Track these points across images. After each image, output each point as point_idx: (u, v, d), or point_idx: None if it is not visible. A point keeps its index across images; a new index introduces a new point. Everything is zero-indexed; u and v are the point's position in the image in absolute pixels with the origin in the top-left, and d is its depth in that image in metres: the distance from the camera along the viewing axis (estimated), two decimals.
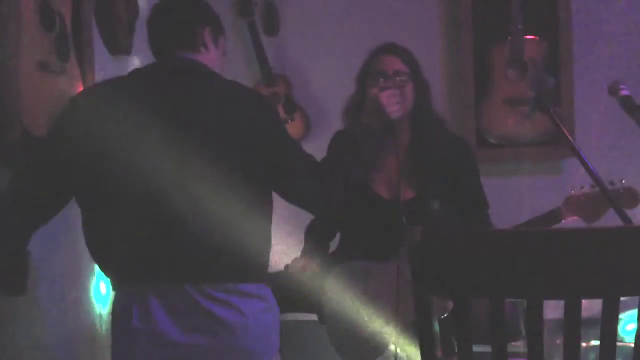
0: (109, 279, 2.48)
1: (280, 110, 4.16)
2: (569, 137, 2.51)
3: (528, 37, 4.03)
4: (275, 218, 2.51)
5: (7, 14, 2.62)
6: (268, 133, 2.44)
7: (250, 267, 2.43)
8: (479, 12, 4.09)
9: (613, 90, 2.62)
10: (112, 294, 2.49)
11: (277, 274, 3.09)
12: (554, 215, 3.02)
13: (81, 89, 2.90)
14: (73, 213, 2.50)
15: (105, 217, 2.40)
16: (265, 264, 2.49)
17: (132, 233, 2.36)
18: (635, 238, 1.79)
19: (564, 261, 1.76)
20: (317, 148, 2.89)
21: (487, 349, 1.83)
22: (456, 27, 4.14)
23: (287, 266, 3.18)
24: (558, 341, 1.84)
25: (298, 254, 3.26)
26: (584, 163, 2.44)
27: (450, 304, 2.53)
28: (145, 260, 2.37)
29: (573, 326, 1.77)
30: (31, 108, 2.69)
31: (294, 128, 4.15)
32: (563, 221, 3.06)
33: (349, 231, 3.21)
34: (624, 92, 2.58)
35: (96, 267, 2.51)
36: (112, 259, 2.42)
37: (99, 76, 3.14)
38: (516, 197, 4.02)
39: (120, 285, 2.44)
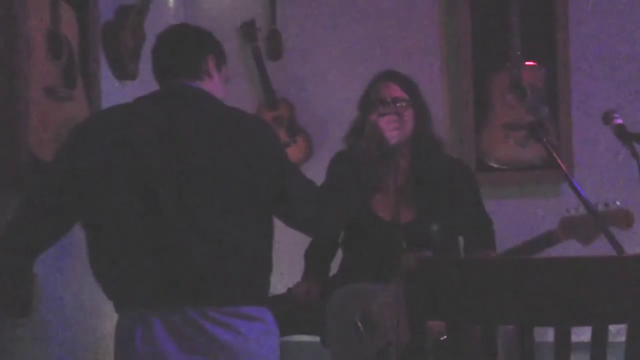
0: (112, 302, 2.51)
1: (283, 133, 4.18)
2: (561, 165, 2.54)
3: (527, 63, 4.07)
4: (276, 241, 2.55)
5: (17, 42, 2.66)
6: (269, 158, 2.49)
7: (251, 290, 2.45)
8: (479, 38, 4.12)
9: (607, 119, 2.64)
10: (116, 316, 2.52)
11: (280, 297, 3.12)
12: (550, 238, 3.03)
13: (88, 114, 2.94)
14: (78, 236, 2.54)
15: (109, 240, 2.43)
16: (267, 287, 2.52)
17: (136, 256, 2.39)
18: (626, 267, 1.81)
19: (555, 289, 1.79)
20: (319, 171, 2.94)
21: None
22: (456, 52, 4.17)
23: (289, 290, 3.21)
24: None
25: (299, 277, 3.29)
26: (574, 188, 2.47)
27: None
28: (148, 283, 2.39)
29: (563, 352, 1.80)
30: (38, 133, 2.73)
31: (296, 151, 4.16)
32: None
33: (350, 253, 3.24)
34: (618, 121, 2.61)
35: (100, 289, 2.54)
36: (116, 282, 2.45)
37: (105, 101, 3.17)
38: (516, 219, 4.04)
39: (123, 307, 2.47)
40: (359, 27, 4.27)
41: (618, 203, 2.90)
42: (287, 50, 4.30)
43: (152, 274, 2.39)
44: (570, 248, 3.03)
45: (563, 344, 1.81)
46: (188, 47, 2.58)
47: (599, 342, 1.80)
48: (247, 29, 4.27)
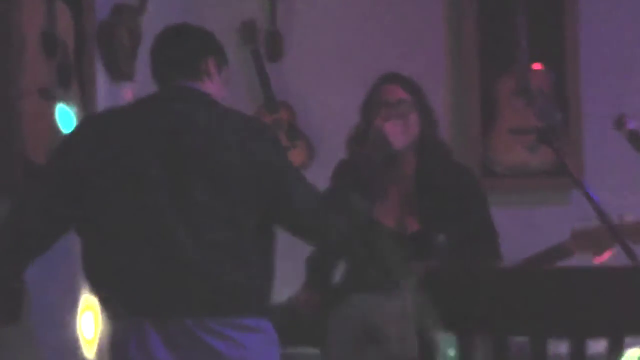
0: (107, 310, 2.49)
1: (283, 137, 4.16)
2: (572, 172, 2.52)
3: (535, 66, 4.05)
4: (277, 250, 2.52)
5: (10, 41, 2.67)
6: (271, 164, 2.45)
7: (252, 301, 2.42)
8: (485, 41, 4.12)
9: (618, 124, 2.62)
10: (109, 324, 2.50)
11: (280, 307, 3.07)
12: (561, 250, 2.98)
13: (82, 115, 2.94)
14: (71, 241, 2.50)
15: (104, 248, 2.40)
16: (267, 297, 2.49)
17: (132, 265, 2.37)
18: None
19: (566, 300, 1.78)
20: (320, 175, 2.90)
21: None
22: (462, 56, 4.17)
23: (290, 299, 3.17)
24: None
25: (300, 286, 3.24)
26: (587, 196, 2.45)
27: None
28: (144, 292, 2.37)
29: None
30: (32, 135, 2.76)
31: (296, 155, 4.15)
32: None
33: (352, 261, 3.20)
34: (630, 126, 2.59)
35: (94, 297, 2.50)
36: (110, 290, 2.43)
37: (101, 102, 3.17)
38: (523, 227, 4.03)
39: (118, 316, 2.44)
40: (362, 29, 4.26)
41: (632, 216, 2.85)
42: (288, 53, 4.29)
43: (147, 283, 2.36)
44: (582, 256, 2.97)
45: (578, 356, 1.78)
46: (188, 47, 2.55)
47: (615, 354, 1.78)
48: (247, 30, 4.26)
